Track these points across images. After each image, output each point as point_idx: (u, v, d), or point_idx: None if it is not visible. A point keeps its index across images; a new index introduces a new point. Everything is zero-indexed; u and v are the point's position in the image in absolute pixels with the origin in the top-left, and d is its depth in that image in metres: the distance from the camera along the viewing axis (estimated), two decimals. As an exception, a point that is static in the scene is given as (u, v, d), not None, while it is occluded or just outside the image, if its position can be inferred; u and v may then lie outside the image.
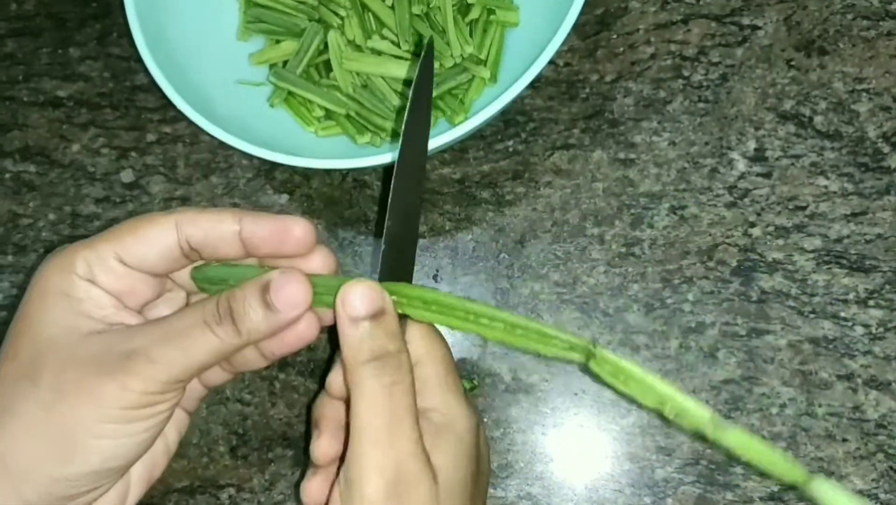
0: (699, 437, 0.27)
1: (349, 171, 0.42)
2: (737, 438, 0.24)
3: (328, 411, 0.31)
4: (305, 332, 0.30)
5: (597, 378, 0.26)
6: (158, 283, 0.31)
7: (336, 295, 0.28)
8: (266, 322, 0.28)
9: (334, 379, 0.31)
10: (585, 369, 0.27)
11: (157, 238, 0.29)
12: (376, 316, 0.28)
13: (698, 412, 0.24)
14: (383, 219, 0.34)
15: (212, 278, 0.31)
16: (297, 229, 0.29)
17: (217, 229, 0.29)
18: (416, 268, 0.40)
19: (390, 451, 0.26)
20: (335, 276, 0.30)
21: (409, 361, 0.28)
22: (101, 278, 0.29)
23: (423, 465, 0.27)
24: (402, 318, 0.28)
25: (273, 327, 0.29)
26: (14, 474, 0.28)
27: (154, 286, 0.31)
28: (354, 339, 0.27)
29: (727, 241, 0.39)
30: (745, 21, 0.42)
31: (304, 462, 0.38)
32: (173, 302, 0.32)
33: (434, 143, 0.35)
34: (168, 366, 0.28)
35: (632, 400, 0.25)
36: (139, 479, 0.32)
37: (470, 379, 0.38)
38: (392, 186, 0.30)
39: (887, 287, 0.37)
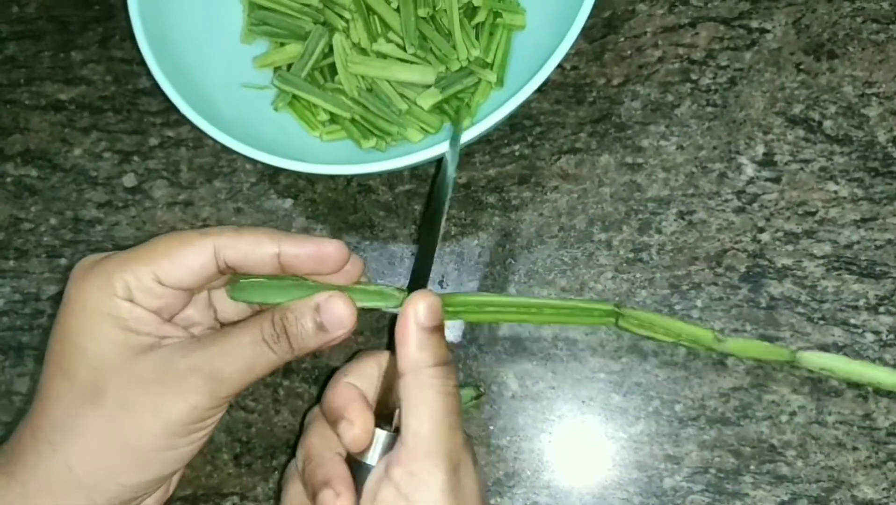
0: (708, 349, 0.36)
1: (354, 175, 0.41)
2: (734, 345, 0.36)
3: (352, 398, 0.32)
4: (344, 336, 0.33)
5: (628, 331, 0.36)
6: (191, 293, 0.33)
7: (404, 303, 0.31)
8: (316, 340, 0.31)
9: (368, 368, 0.33)
10: (617, 326, 0.35)
11: (194, 261, 0.31)
12: (438, 327, 0.30)
13: (703, 333, 0.35)
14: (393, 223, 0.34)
15: (250, 292, 0.32)
16: (333, 251, 0.32)
17: (256, 252, 0.31)
18: (421, 273, 0.40)
19: (450, 444, 0.29)
20: (368, 283, 0.34)
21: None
22: (140, 298, 0.31)
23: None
24: None
25: (321, 344, 0.32)
26: (87, 486, 0.30)
27: (187, 298, 0.33)
28: (421, 344, 0.30)
29: (736, 246, 0.38)
30: (754, 24, 0.41)
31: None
32: (198, 304, 0.34)
33: (440, 148, 0.34)
34: (231, 382, 0.31)
35: (656, 340, 0.36)
36: (177, 475, 0.35)
37: (476, 387, 0.38)
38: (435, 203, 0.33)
39: (898, 293, 0.37)
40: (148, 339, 0.31)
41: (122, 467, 0.30)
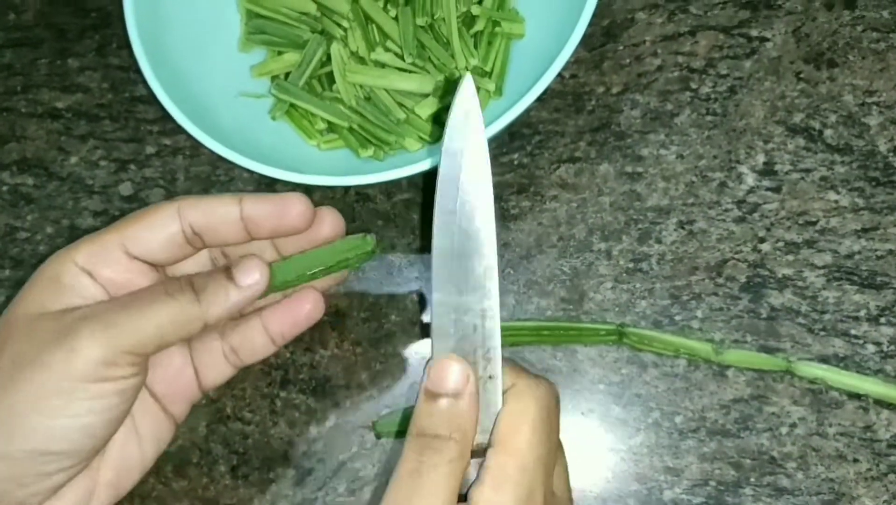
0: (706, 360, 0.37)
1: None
2: (732, 355, 0.36)
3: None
4: (313, 312, 0.33)
5: (631, 347, 0.37)
6: (156, 277, 0.31)
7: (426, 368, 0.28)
8: (224, 292, 0.29)
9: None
10: (620, 342, 0.37)
11: (161, 224, 0.30)
12: (453, 395, 0.27)
13: (702, 347, 0.36)
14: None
15: (287, 274, 0.32)
16: (296, 205, 0.31)
17: (218, 212, 0.30)
18: (420, 283, 0.40)
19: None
20: (342, 240, 0.32)
21: (463, 449, 0.27)
22: (103, 271, 0.30)
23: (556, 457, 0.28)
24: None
25: (231, 299, 0.29)
26: None
27: (151, 280, 0.31)
28: (418, 409, 0.27)
29: (736, 256, 0.38)
30: (754, 33, 0.41)
31: (305, 482, 0.38)
32: None
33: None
34: (128, 331, 0.28)
35: (658, 353, 0.37)
36: (108, 483, 0.31)
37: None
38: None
39: (899, 304, 0.37)
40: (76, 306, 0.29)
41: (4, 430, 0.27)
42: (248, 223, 0.31)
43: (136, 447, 0.32)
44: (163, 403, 0.33)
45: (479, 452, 0.27)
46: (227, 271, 0.30)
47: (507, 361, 0.28)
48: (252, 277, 0.30)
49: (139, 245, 0.30)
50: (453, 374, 0.27)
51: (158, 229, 0.30)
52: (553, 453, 0.27)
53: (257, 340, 0.33)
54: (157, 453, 0.33)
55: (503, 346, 0.37)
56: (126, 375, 0.28)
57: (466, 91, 0.27)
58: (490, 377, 0.28)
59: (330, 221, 0.32)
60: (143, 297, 0.29)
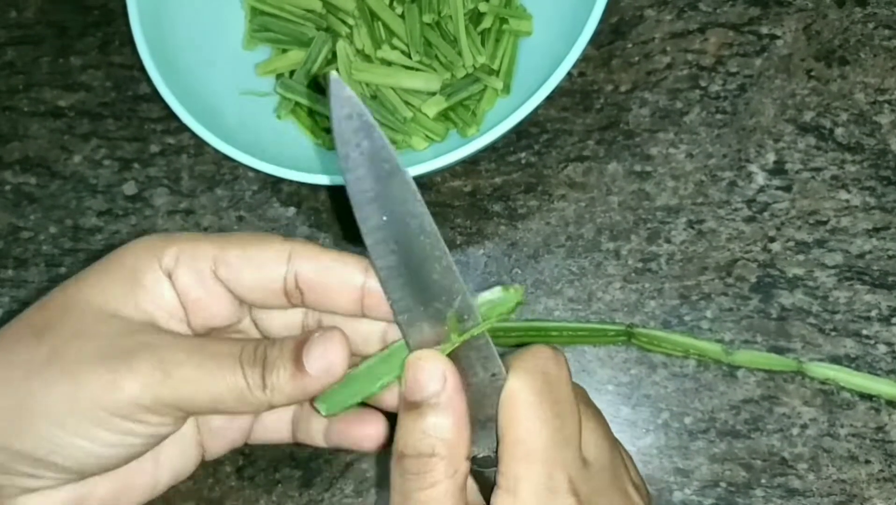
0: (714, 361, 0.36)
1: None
2: (743, 356, 0.36)
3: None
4: (371, 437, 0.28)
5: (639, 348, 0.37)
6: (234, 313, 0.27)
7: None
8: (293, 381, 0.25)
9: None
10: (629, 343, 0.37)
11: (263, 262, 0.26)
12: (432, 402, 0.24)
13: (712, 347, 0.36)
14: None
15: (337, 394, 0.26)
16: None
17: (336, 273, 0.26)
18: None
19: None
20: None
21: (451, 464, 0.24)
22: (183, 278, 0.26)
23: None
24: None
25: (298, 390, 0.25)
26: None
27: (228, 315, 0.27)
28: (398, 424, 0.24)
29: (746, 256, 0.38)
30: (764, 30, 0.41)
31: (312, 483, 0.37)
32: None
33: (448, 158, 0.34)
34: (177, 383, 0.25)
35: (667, 354, 0.37)
36: (102, 498, 0.28)
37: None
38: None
39: (911, 304, 0.37)
40: (140, 315, 0.26)
41: (4, 418, 0.25)
42: (368, 298, 0.26)
43: (150, 471, 0.29)
44: (204, 435, 0.30)
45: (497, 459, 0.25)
46: (297, 353, 0.25)
47: (511, 351, 0.26)
48: (324, 362, 0.25)
49: (231, 273, 0.26)
50: (426, 375, 0.24)
51: (258, 267, 0.26)
52: (569, 424, 0.24)
53: (314, 429, 0.30)
54: (173, 483, 0.30)
55: (509, 346, 0.37)
56: (164, 424, 0.26)
57: (338, 91, 0.23)
58: (493, 375, 0.25)
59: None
60: (213, 358, 0.25)
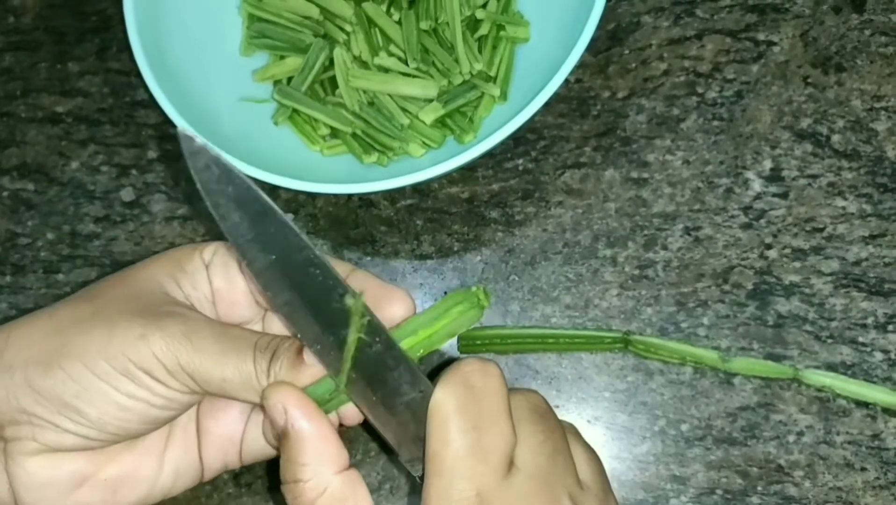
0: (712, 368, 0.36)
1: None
2: (739, 363, 0.36)
3: None
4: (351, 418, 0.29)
5: (636, 355, 0.37)
6: (253, 313, 0.31)
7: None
8: (292, 370, 0.27)
9: None
10: (626, 350, 0.37)
11: None
12: (282, 434, 0.25)
13: (708, 354, 0.36)
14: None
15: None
16: (397, 305, 0.28)
17: (383, 307, 0.28)
18: (424, 290, 0.39)
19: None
20: (438, 306, 0.27)
21: (317, 486, 0.25)
22: (216, 277, 0.30)
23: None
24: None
25: (294, 378, 0.27)
26: (6, 364, 0.27)
27: (248, 314, 0.30)
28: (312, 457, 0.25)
29: (743, 263, 0.38)
30: (761, 37, 0.41)
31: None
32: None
33: (445, 165, 0.34)
34: (196, 352, 0.27)
35: (664, 361, 0.36)
36: (103, 483, 0.29)
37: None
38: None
39: (907, 311, 0.37)
40: (179, 294, 0.29)
41: (40, 360, 0.27)
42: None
43: (154, 466, 0.30)
44: (203, 441, 0.31)
45: None
46: (301, 348, 0.27)
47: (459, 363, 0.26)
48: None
49: None
50: (270, 409, 0.25)
51: None
52: (492, 434, 0.24)
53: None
54: (170, 488, 0.31)
55: (506, 354, 0.37)
56: (179, 389, 0.28)
57: (190, 146, 0.23)
58: (421, 392, 0.25)
59: (400, 301, 0.29)
60: (235, 339, 0.28)
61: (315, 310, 0.25)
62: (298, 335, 0.26)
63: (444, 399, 0.25)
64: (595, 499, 0.26)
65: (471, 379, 0.25)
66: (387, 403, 0.26)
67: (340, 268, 0.29)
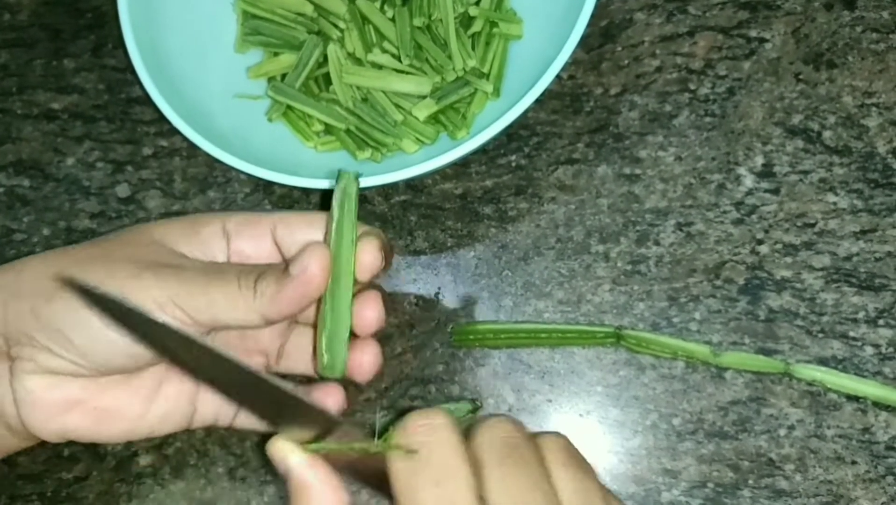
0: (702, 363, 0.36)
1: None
2: (730, 358, 0.36)
3: None
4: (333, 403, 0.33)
5: (628, 349, 0.37)
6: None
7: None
8: (276, 284, 0.29)
9: None
10: (618, 344, 0.37)
11: (316, 223, 0.32)
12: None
13: (700, 349, 0.36)
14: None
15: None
16: (369, 313, 0.32)
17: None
18: (417, 285, 0.40)
19: None
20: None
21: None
22: (241, 243, 0.32)
23: None
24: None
25: (284, 297, 0.29)
26: (12, 291, 0.31)
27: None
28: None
29: (734, 258, 0.38)
30: (753, 33, 0.41)
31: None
32: None
33: (438, 161, 0.34)
34: (184, 287, 0.29)
35: (655, 356, 0.37)
36: (91, 411, 0.32)
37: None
38: None
39: (897, 306, 0.37)
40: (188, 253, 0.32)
41: (43, 292, 0.30)
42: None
43: (141, 407, 0.33)
44: (201, 393, 0.34)
45: None
46: (285, 267, 0.30)
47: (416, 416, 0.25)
48: (301, 265, 0.29)
49: (289, 232, 0.32)
50: (277, 463, 0.25)
51: (312, 226, 0.32)
52: (451, 485, 0.24)
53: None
54: (156, 427, 0.33)
55: (498, 348, 0.38)
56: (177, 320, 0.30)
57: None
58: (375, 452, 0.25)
59: (373, 306, 0.32)
60: (219, 270, 0.30)
61: (258, 407, 0.25)
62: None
63: (398, 467, 0.25)
64: None
65: (417, 436, 0.25)
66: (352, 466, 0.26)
67: (316, 219, 0.32)
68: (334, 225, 0.31)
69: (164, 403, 0.33)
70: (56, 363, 0.30)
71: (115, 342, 0.30)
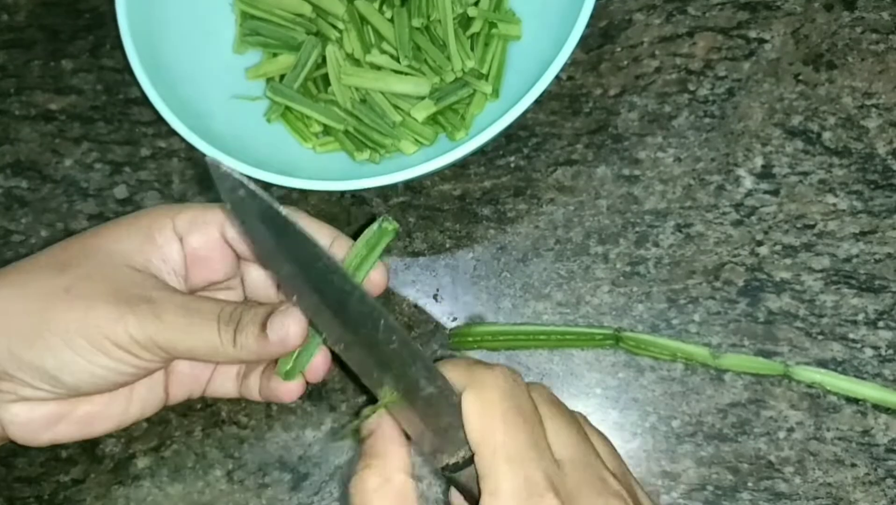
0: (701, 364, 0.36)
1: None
2: (730, 360, 0.36)
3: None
4: (292, 392, 0.33)
5: (627, 351, 0.37)
6: (233, 269, 0.34)
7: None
8: (257, 343, 0.30)
9: None
10: (617, 346, 0.37)
11: None
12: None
13: (699, 351, 0.36)
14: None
15: None
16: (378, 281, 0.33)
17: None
18: (416, 287, 0.39)
19: None
20: (361, 241, 0.32)
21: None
22: (193, 240, 0.32)
23: None
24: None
25: (262, 350, 0.31)
26: None
27: (228, 271, 0.34)
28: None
29: (734, 260, 0.38)
30: (752, 34, 0.41)
31: (301, 487, 0.38)
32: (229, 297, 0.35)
33: (437, 162, 0.34)
34: (167, 328, 0.30)
35: (654, 358, 0.37)
36: (79, 419, 0.33)
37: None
38: None
39: (897, 308, 0.37)
40: (148, 267, 0.31)
41: (22, 334, 0.30)
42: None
43: (123, 403, 0.34)
44: (170, 378, 0.35)
45: (467, 464, 0.27)
46: (264, 320, 0.30)
47: (454, 362, 0.28)
48: (282, 333, 0.30)
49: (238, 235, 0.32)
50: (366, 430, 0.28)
51: None
52: (536, 429, 0.27)
53: (252, 386, 0.35)
54: (138, 418, 0.35)
55: (497, 350, 0.37)
56: (151, 360, 0.31)
57: (218, 171, 0.26)
58: (439, 387, 0.27)
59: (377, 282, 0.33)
60: (199, 312, 0.31)
61: (337, 312, 0.27)
62: (323, 336, 0.30)
63: (495, 397, 0.26)
64: (624, 477, 0.28)
65: (503, 382, 0.27)
66: (409, 397, 0.27)
67: (325, 231, 0.33)
68: (355, 260, 0.32)
69: (140, 398, 0.34)
70: (38, 393, 0.31)
71: (104, 376, 0.31)
